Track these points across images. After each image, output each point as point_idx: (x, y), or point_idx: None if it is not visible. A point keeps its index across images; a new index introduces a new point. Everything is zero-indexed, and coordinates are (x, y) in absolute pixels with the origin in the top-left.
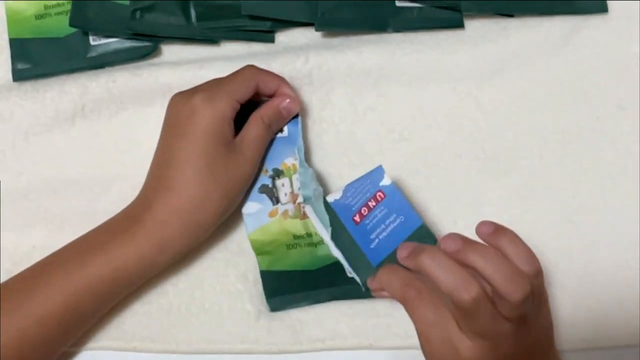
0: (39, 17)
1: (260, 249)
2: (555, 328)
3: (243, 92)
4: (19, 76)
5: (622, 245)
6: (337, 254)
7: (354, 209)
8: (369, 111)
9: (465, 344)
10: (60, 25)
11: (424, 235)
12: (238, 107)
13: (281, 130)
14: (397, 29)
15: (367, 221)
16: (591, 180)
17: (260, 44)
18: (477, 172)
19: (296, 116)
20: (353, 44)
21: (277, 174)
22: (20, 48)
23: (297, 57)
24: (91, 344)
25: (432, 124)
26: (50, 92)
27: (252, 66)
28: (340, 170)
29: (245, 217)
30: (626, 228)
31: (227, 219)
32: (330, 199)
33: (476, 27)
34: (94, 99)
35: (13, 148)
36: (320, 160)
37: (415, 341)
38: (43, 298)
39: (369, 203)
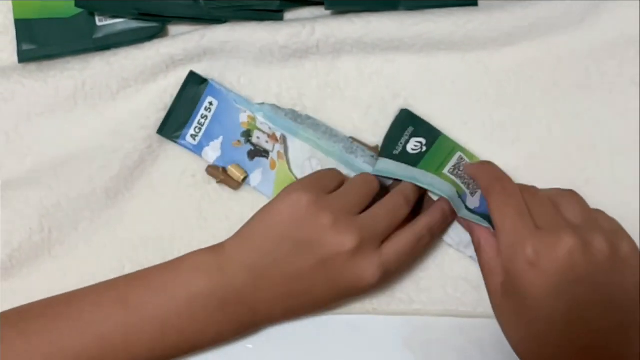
0: None
1: None
2: None
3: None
4: (24, 57)
5: (631, 220)
6: None
7: None
8: (374, 75)
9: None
10: (66, 5)
11: None
12: None
13: (209, 108)
14: (409, 7)
15: None
16: (601, 154)
17: None
18: (483, 140)
19: (205, 81)
20: (361, 14)
21: (247, 134)
22: (25, 29)
23: (303, 27)
24: None
25: (439, 90)
26: (53, 71)
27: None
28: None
29: (259, 189)
30: (635, 203)
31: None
32: (470, 205)
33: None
34: (94, 74)
35: (16, 129)
36: None
37: (419, 307)
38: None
39: None
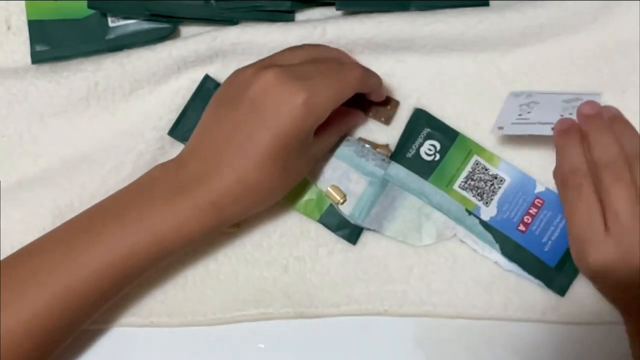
0: None
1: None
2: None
3: (343, 99)
4: (37, 58)
5: None
6: (511, 267)
7: (515, 220)
8: (386, 76)
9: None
10: (78, 6)
11: None
12: None
13: None
14: (421, 7)
15: (533, 227)
16: None
17: None
18: (495, 142)
19: (219, 85)
20: (372, 14)
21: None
22: (38, 30)
23: (315, 28)
24: (108, 321)
25: (450, 91)
26: (66, 72)
27: (360, 70)
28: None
29: None
30: None
31: None
32: (485, 217)
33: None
34: (106, 75)
35: (29, 130)
36: None
37: (431, 308)
38: (68, 271)
39: (530, 211)
